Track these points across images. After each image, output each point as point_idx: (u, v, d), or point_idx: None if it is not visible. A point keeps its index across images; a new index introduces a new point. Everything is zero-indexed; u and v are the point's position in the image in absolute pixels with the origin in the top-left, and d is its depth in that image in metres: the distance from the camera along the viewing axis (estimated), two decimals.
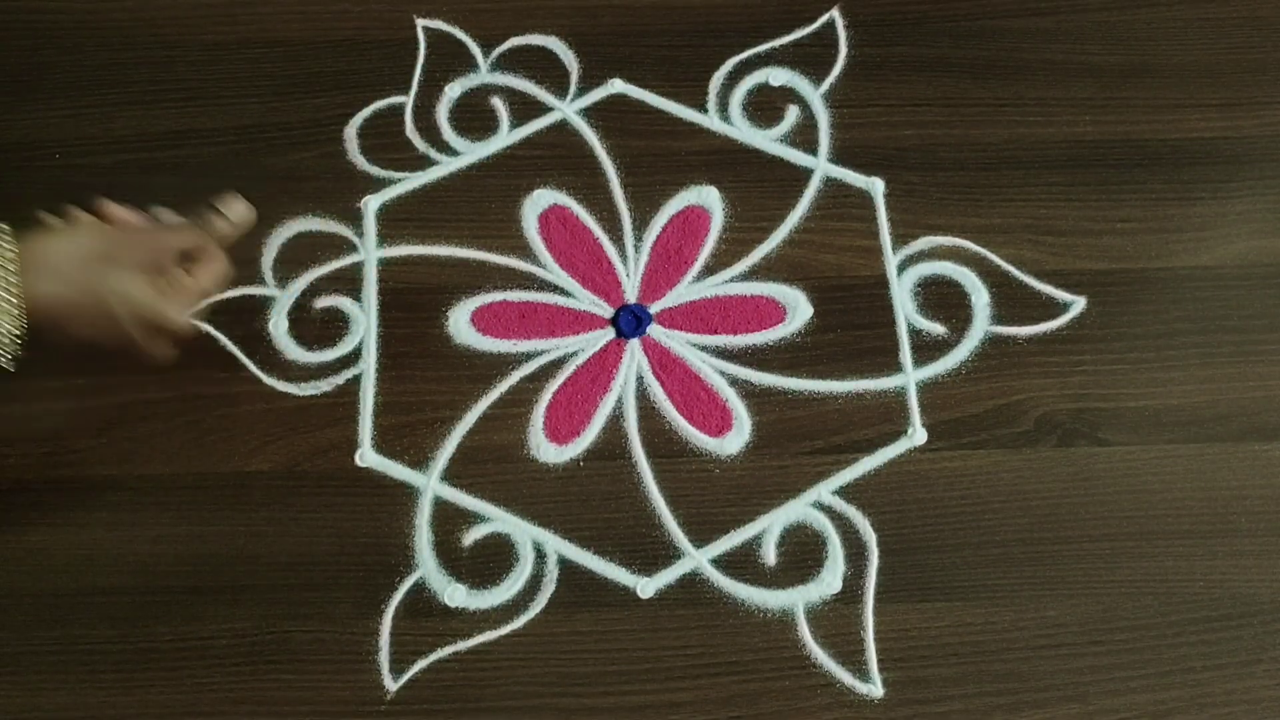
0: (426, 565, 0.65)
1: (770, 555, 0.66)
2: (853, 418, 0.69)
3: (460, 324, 0.71)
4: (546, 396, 0.70)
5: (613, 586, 0.65)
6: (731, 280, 0.73)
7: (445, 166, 0.76)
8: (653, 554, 0.66)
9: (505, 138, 0.77)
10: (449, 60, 0.80)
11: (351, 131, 0.77)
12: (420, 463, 0.68)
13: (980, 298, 0.72)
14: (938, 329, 0.72)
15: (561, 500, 0.67)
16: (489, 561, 0.65)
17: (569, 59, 0.79)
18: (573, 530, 0.66)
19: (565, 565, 0.65)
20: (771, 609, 0.64)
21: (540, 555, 0.66)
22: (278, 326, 0.71)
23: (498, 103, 0.78)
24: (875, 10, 0.81)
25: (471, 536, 0.66)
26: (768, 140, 0.77)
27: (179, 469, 0.67)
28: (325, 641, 0.63)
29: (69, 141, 0.76)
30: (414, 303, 0.72)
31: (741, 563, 0.66)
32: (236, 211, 0.66)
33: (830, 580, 0.65)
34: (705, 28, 0.81)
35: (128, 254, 0.62)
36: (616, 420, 0.69)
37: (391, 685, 0.62)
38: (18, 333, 0.58)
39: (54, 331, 0.60)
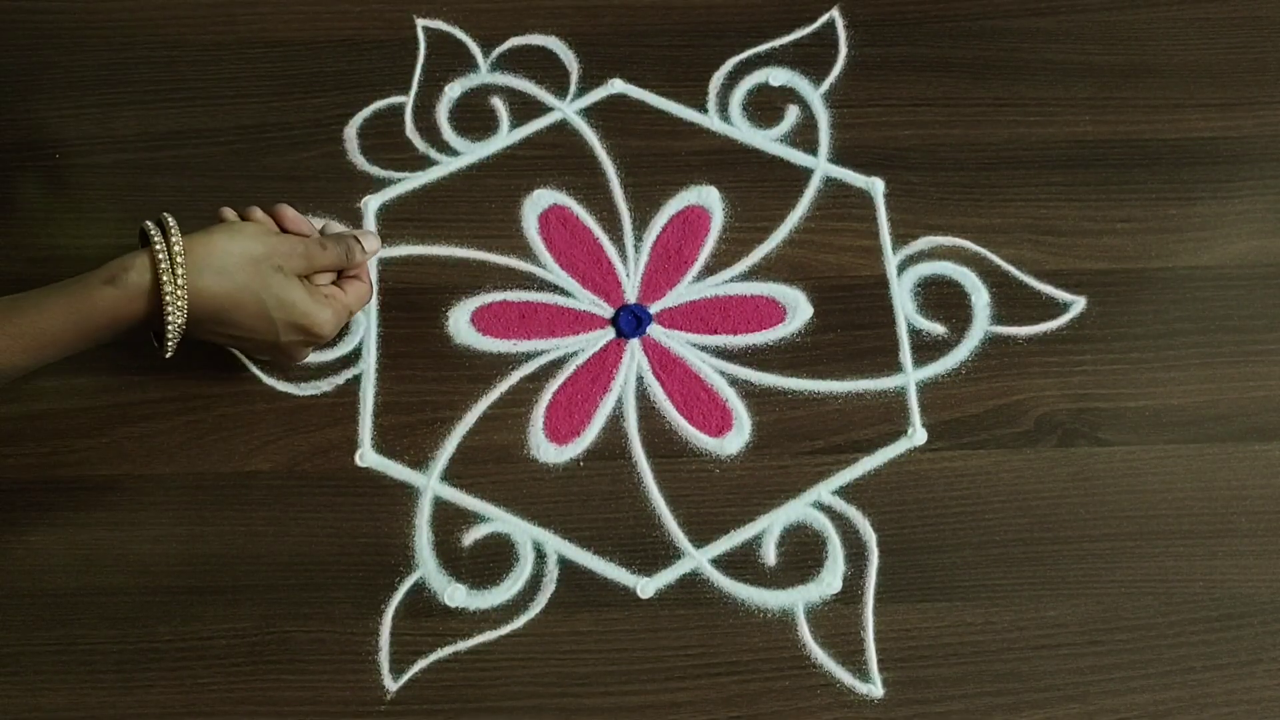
0: (426, 565, 0.65)
1: (770, 555, 0.66)
2: (853, 418, 0.69)
3: (460, 324, 0.71)
4: (546, 396, 0.70)
5: (613, 586, 0.65)
6: (731, 280, 0.73)
7: (445, 166, 0.76)
8: (653, 554, 0.66)
9: (505, 138, 0.77)
10: (449, 60, 0.80)
11: (351, 131, 0.77)
12: (420, 463, 0.68)
13: (980, 298, 0.72)
14: (938, 329, 0.72)
15: (561, 500, 0.67)
16: (489, 561, 0.65)
17: (569, 59, 0.79)
18: (573, 530, 0.66)
19: (565, 565, 0.65)
20: (771, 609, 0.64)
21: (540, 555, 0.66)
22: None
23: (498, 103, 0.78)
24: (875, 10, 0.81)
25: (471, 536, 0.66)
26: (768, 140, 0.77)
27: (179, 469, 0.67)
28: (325, 641, 0.63)
29: (69, 141, 0.76)
30: (414, 303, 0.72)
31: (741, 563, 0.66)
32: (371, 243, 0.69)
33: (830, 580, 0.65)
34: (705, 28, 0.81)
35: (290, 261, 0.64)
36: (616, 420, 0.69)
37: (391, 685, 0.62)
38: (180, 323, 0.60)
39: (210, 326, 0.62)
